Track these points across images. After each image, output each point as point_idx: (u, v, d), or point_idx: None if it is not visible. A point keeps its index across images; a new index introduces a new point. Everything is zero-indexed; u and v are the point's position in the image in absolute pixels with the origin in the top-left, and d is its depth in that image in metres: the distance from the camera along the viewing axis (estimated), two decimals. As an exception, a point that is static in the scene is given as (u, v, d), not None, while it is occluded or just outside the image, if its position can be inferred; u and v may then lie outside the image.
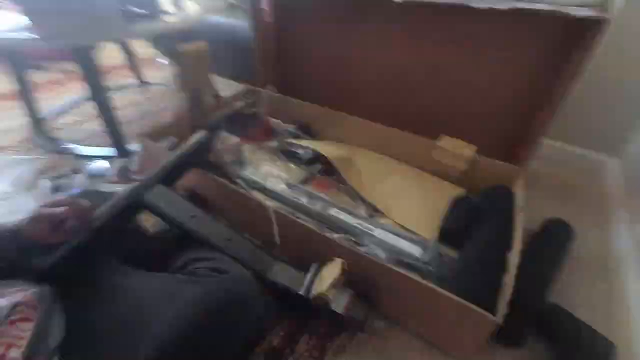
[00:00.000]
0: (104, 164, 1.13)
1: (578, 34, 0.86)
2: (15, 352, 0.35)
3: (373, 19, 1.14)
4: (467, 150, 0.98)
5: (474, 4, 0.87)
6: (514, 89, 1.02)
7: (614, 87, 1.11)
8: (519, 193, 0.84)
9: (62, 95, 1.68)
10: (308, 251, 0.75)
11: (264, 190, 0.94)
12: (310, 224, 0.79)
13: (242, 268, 0.54)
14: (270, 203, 0.81)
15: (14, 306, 0.37)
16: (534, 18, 0.89)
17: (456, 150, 0.99)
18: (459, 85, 1.10)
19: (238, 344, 0.49)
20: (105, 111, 1.11)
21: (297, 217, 0.78)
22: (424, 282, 0.59)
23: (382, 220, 0.88)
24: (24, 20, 0.89)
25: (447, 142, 1.01)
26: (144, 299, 0.46)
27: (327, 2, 1.18)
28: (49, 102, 1.60)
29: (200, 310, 0.43)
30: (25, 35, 0.89)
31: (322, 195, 0.93)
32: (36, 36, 0.87)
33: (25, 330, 0.37)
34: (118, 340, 0.43)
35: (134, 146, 1.17)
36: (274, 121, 1.29)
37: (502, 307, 0.55)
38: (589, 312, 0.72)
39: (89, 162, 1.15)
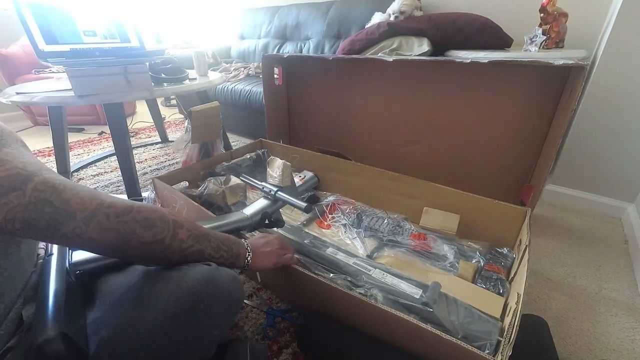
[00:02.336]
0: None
1: (561, 82, 0.92)
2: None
3: (370, 76, 1.26)
4: (449, 223, 0.95)
5: (458, 60, 0.96)
6: (509, 134, 1.06)
7: (631, 136, 1.12)
8: (525, 233, 0.80)
9: (93, 152, 1.85)
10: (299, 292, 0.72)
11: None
12: (307, 263, 0.78)
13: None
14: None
15: None
16: (518, 69, 0.97)
17: (437, 225, 0.97)
18: (455, 133, 1.14)
19: (218, 325, 0.48)
20: (124, 162, 1.21)
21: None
22: (426, 326, 0.54)
23: (381, 260, 0.85)
24: (68, 84, 1.05)
25: (429, 218, 0.99)
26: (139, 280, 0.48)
27: (328, 65, 1.33)
28: (80, 157, 1.77)
29: (187, 296, 0.44)
30: (68, 94, 1.04)
31: (320, 236, 0.92)
32: (76, 95, 1.01)
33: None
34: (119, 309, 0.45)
35: (147, 193, 1.24)
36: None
37: (506, 351, 0.48)
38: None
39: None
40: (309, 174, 1.01)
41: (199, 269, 0.47)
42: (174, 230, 0.45)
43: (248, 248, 0.58)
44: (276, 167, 0.88)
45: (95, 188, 1.42)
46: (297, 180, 0.98)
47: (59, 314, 0.40)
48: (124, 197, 1.26)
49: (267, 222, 0.78)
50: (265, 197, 0.89)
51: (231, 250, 0.55)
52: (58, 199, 0.35)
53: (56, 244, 0.47)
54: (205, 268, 0.48)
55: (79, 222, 0.36)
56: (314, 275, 0.67)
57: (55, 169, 1.52)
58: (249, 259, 0.58)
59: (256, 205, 0.85)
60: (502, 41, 1.22)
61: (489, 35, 1.21)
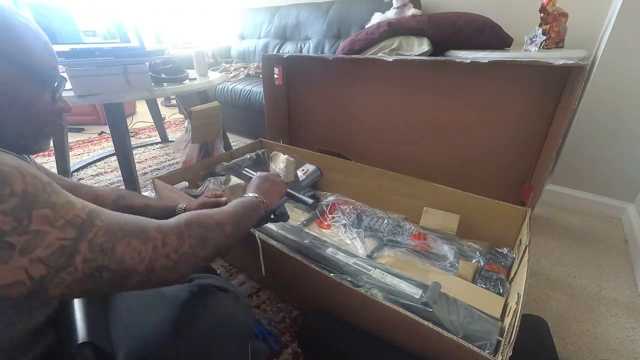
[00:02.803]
0: (116, 208, 1.18)
1: (561, 82, 0.92)
2: None
3: (370, 76, 1.26)
4: (449, 223, 0.96)
5: (458, 60, 0.96)
6: (509, 134, 1.06)
7: (631, 136, 1.12)
8: (525, 233, 0.80)
9: (93, 152, 1.85)
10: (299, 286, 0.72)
11: (262, 229, 0.94)
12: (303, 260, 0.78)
13: (238, 290, 0.57)
14: (273, 242, 0.81)
15: None
16: (518, 69, 0.97)
17: (437, 225, 0.97)
18: (455, 133, 1.14)
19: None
20: (124, 162, 1.21)
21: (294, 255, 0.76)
22: (427, 323, 0.54)
23: (381, 260, 0.85)
24: (68, 84, 1.05)
25: (429, 218, 0.99)
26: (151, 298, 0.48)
27: (328, 65, 1.33)
28: (80, 157, 1.77)
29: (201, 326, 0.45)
30: (68, 94, 1.04)
31: (321, 236, 0.92)
32: (76, 95, 1.01)
33: None
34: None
35: (147, 193, 1.24)
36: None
37: (507, 349, 0.48)
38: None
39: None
40: (311, 167, 1.01)
41: (220, 308, 0.50)
42: (222, 231, 0.45)
43: (259, 197, 0.59)
44: (280, 162, 0.87)
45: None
46: (300, 174, 0.97)
47: (86, 321, 0.40)
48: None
49: (272, 216, 0.77)
50: None
51: (253, 207, 0.56)
52: (113, 262, 0.32)
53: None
54: (225, 309, 0.50)
55: (142, 276, 0.34)
56: (319, 270, 0.67)
57: (55, 169, 1.52)
58: (266, 202, 0.60)
59: None
60: (502, 41, 1.22)
61: (489, 35, 1.20)
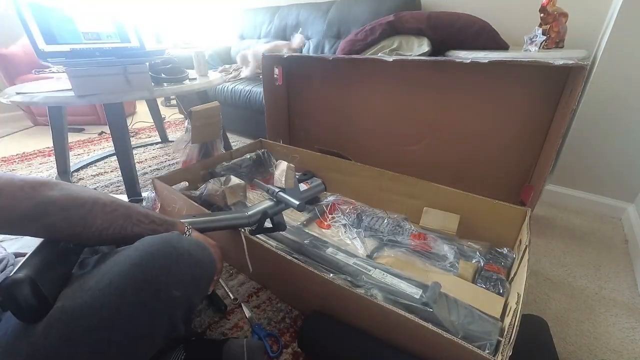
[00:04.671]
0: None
1: (561, 82, 0.92)
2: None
3: (370, 76, 1.26)
4: (449, 223, 0.96)
5: (458, 60, 0.96)
6: (509, 134, 1.06)
7: (630, 136, 1.12)
8: (525, 233, 0.80)
9: (93, 152, 1.85)
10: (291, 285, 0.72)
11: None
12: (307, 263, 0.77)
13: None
14: (272, 243, 0.82)
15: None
16: (518, 69, 0.97)
17: (437, 225, 0.97)
18: (455, 133, 1.14)
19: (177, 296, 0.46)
20: (124, 162, 1.21)
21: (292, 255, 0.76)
22: (427, 324, 0.54)
23: (381, 260, 0.85)
24: (68, 84, 1.05)
25: (429, 218, 0.99)
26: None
27: (328, 65, 1.33)
28: (80, 157, 1.77)
29: (139, 259, 0.44)
30: (68, 94, 1.04)
31: (321, 236, 0.92)
32: (76, 95, 1.01)
33: None
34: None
35: (147, 193, 1.24)
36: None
37: (507, 349, 0.48)
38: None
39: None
40: (316, 181, 1.02)
41: (160, 235, 0.49)
42: (96, 197, 0.48)
43: (189, 226, 0.61)
44: (280, 171, 0.88)
45: (95, 188, 1.42)
46: (304, 186, 0.98)
47: (36, 266, 0.42)
48: (124, 197, 1.26)
49: (270, 225, 0.77)
50: (270, 199, 0.89)
51: (164, 219, 0.56)
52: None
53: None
54: (167, 234, 0.49)
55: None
56: (316, 272, 0.67)
57: (55, 169, 1.52)
58: (189, 231, 0.60)
59: (258, 206, 0.85)
60: (499, 46, 1.23)
61: (486, 39, 1.21)
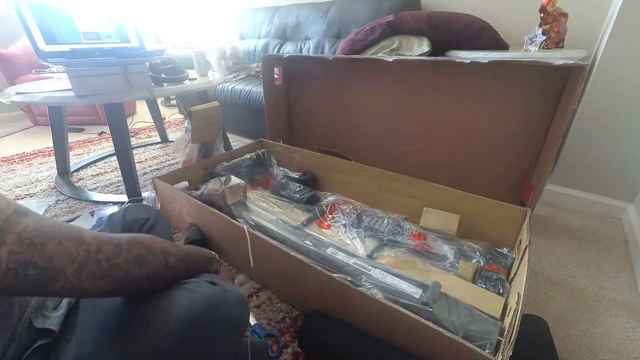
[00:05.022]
0: (115, 209, 1.18)
1: (561, 82, 0.92)
2: None
3: (370, 76, 1.26)
4: (449, 223, 0.95)
5: (458, 60, 0.96)
6: (509, 134, 1.06)
7: (630, 136, 1.12)
8: (525, 233, 0.80)
9: (93, 152, 1.85)
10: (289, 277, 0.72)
11: (263, 229, 0.94)
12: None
13: (235, 286, 0.54)
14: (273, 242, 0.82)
15: None
16: (518, 69, 0.97)
17: (437, 225, 0.97)
18: (455, 133, 1.14)
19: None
20: (124, 162, 1.21)
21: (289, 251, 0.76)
22: (427, 322, 0.54)
23: (381, 260, 0.85)
24: (68, 84, 1.05)
25: (429, 218, 0.99)
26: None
27: (328, 65, 1.33)
28: (80, 157, 1.77)
29: (192, 319, 0.42)
30: (68, 94, 1.04)
31: (321, 236, 0.92)
32: (76, 95, 1.01)
33: None
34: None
35: (147, 193, 1.24)
36: (282, 169, 1.34)
37: (507, 349, 0.48)
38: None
39: (101, 207, 1.22)
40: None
41: (206, 291, 0.46)
42: (165, 259, 0.44)
43: (216, 254, 0.60)
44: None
45: (95, 188, 1.42)
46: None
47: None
48: (124, 197, 1.26)
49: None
50: None
51: (206, 259, 0.55)
52: (41, 259, 0.30)
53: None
54: (212, 291, 0.46)
55: (69, 278, 0.32)
56: (318, 268, 0.67)
57: (55, 169, 1.52)
58: (219, 263, 0.60)
59: None
60: (499, 46, 1.23)
61: (486, 39, 1.21)
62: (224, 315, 0.46)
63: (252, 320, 0.77)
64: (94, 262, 0.34)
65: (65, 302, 0.46)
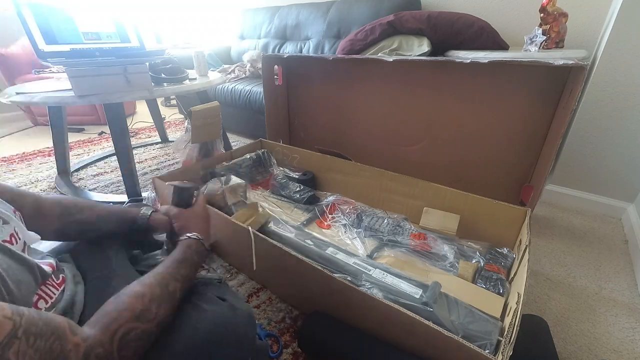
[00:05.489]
0: (116, 208, 1.18)
1: (561, 82, 0.92)
2: (42, 304, 0.42)
3: (370, 76, 1.26)
4: (449, 223, 0.95)
5: (458, 60, 0.96)
6: (509, 134, 1.06)
7: (630, 136, 1.12)
8: (525, 233, 0.80)
9: (93, 152, 1.85)
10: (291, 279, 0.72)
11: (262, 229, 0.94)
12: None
13: (243, 302, 0.54)
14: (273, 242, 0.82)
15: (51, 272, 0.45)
16: (518, 69, 0.97)
17: (437, 225, 0.97)
18: (455, 133, 1.14)
19: None
20: (124, 162, 1.21)
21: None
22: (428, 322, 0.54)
23: (381, 260, 0.85)
24: (68, 84, 1.05)
25: (429, 218, 0.99)
26: None
27: (328, 65, 1.33)
28: (80, 157, 1.77)
29: (200, 341, 0.42)
30: (68, 94, 1.04)
31: (321, 236, 0.92)
32: (76, 95, 1.01)
33: (56, 293, 0.45)
34: None
35: (147, 193, 1.24)
36: (282, 169, 1.34)
37: (507, 349, 0.49)
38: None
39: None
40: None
41: (217, 311, 0.46)
42: (171, 305, 0.45)
43: (193, 236, 0.57)
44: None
45: (95, 188, 1.42)
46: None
47: None
48: (124, 197, 1.26)
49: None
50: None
51: (193, 261, 0.54)
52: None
53: None
54: (222, 311, 0.47)
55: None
56: (319, 268, 0.67)
57: (55, 169, 1.52)
58: (202, 241, 0.57)
59: None
60: (498, 46, 1.23)
61: (486, 39, 1.21)
62: (232, 335, 0.46)
63: None
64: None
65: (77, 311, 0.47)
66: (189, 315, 0.45)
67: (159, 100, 2.79)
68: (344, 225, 1.01)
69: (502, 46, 1.23)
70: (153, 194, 1.11)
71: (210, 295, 0.50)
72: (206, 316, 0.45)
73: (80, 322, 0.40)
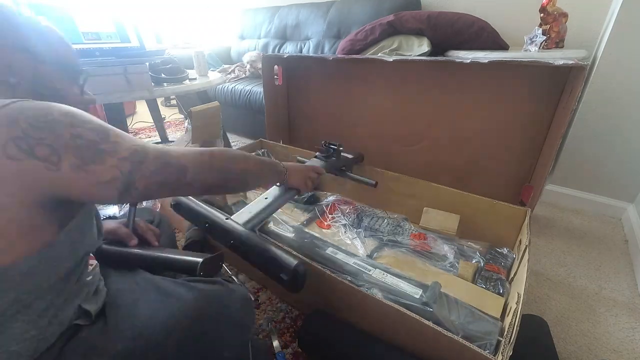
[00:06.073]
0: (114, 209, 1.18)
1: (561, 82, 0.92)
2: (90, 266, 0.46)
3: (370, 76, 1.26)
4: (449, 223, 0.95)
5: (458, 60, 0.96)
6: (509, 134, 1.06)
7: (630, 136, 1.12)
8: (525, 233, 0.80)
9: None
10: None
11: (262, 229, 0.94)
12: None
13: (238, 285, 0.56)
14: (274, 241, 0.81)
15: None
16: (518, 69, 0.97)
17: (437, 225, 0.97)
18: (455, 133, 1.14)
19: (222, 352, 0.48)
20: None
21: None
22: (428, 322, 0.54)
23: (381, 260, 0.85)
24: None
25: (429, 218, 0.99)
26: (138, 285, 0.50)
27: (328, 65, 1.33)
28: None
29: (193, 315, 0.45)
30: (67, 94, 1.04)
31: (321, 236, 0.92)
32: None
33: (93, 264, 0.49)
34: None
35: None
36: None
37: (507, 349, 0.49)
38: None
39: (102, 207, 1.21)
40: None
41: (211, 289, 0.49)
42: (246, 158, 0.52)
43: (284, 166, 0.68)
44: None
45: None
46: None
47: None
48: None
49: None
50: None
51: (270, 169, 0.63)
52: (173, 160, 0.40)
53: (179, 195, 0.51)
54: (216, 289, 0.49)
55: (189, 174, 0.42)
56: (319, 267, 0.67)
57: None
58: (286, 175, 0.67)
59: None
60: (498, 46, 1.23)
61: (486, 39, 1.21)
62: (228, 313, 0.47)
63: None
64: (207, 164, 0.44)
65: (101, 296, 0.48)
66: (179, 293, 0.47)
67: (159, 100, 2.78)
68: (344, 225, 1.01)
69: (502, 46, 1.23)
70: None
71: (204, 281, 0.52)
72: (199, 293, 0.47)
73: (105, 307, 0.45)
